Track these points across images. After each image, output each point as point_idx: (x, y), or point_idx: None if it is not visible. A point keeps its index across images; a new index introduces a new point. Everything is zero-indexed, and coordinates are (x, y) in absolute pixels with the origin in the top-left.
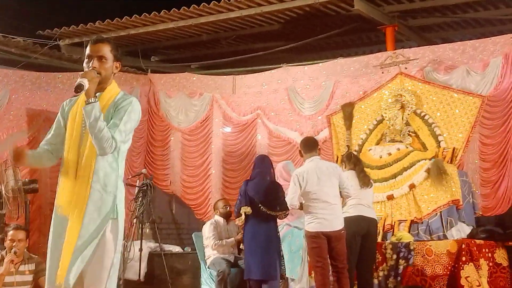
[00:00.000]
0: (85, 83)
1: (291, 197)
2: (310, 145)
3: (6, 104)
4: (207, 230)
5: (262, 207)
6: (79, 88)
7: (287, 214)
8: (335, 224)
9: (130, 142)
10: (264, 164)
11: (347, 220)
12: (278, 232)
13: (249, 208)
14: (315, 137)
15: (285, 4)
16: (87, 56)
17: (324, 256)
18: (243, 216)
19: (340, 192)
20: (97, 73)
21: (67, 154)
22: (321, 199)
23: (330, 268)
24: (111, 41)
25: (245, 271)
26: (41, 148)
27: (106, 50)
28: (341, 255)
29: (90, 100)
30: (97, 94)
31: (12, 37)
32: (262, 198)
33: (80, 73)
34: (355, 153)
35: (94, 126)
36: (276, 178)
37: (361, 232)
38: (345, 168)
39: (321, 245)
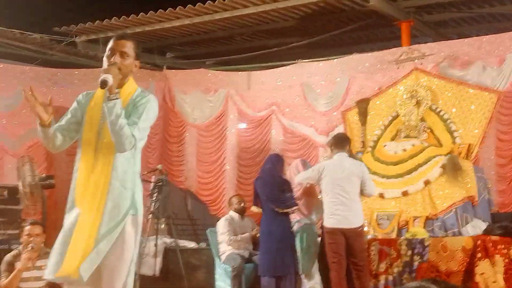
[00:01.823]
0: (110, 79)
1: (304, 177)
2: (340, 142)
3: (23, 100)
4: (221, 226)
5: (270, 205)
6: (104, 84)
7: (295, 210)
8: (353, 221)
9: (146, 139)
10: (271, 161)
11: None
12: (292, 228)
13: (256, 208)
14: (346, 134)
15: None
16: (109, 49)
17: (340, 253)
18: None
19: (362, 190)
20: (119, 69)
21: (84, 149)
22: (341, 195)
23: (351, 265)
24: (131, 37)
25: (261, 267)
26: (58, 129)
27: (129, 47)
28: (360, 252)
29: (112, 97)
30: (116, 90)
31: (29, 33)
32: (270, 196)
33: (102, 68)
34: (369, 149)
35: (115, 123)
36: (292, 173)
37: None
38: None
39: (337, 241)
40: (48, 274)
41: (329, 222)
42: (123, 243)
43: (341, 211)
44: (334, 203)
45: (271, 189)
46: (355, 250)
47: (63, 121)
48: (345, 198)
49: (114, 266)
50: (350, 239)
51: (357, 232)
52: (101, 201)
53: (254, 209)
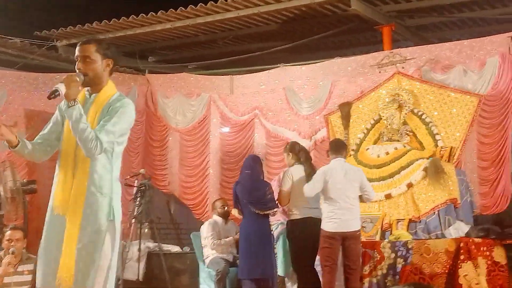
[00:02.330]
0: (61, 88)
1: (311, 188)
2: (337, 148)
3: (4, 105)
4: (205, 230)
5: (251, 208)
6: (52, 94)
7: (276, 212)
8: (352, 225)
9: (125, 143)
10: (250, 164)
11: (294, 223)
12: (272, 230)
13: (237, 210)
14: (343, 140)
15: (282, 4)
16: (75, 57)
17: (333, 257)
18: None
19: (362, 196)
20: (85, 74)
21: (63, 156)
22: (341, 199)
23: (343, 267)
24: (99, 40)
25: (240, 271)
26: (34, 142)
27: (92, 50)
28: (355, 255)
29: (70, 104)
30: (92, 96)
31: (9, 38)
32: (251, 199)
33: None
34: (352, 152)
35: (76, 128)
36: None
37: (312, 233)
38: (291, 159)
39: (333, 245)
40: (42, 284)
41: (328, 226)
42: (100, 249)
43: (340, 215)
44: (334, 207)
45: (251, 193)
46: (350, 254)
47: (45, 130)
48: (345, 202)
49: (93, 272)
50: (347, 242)
51: (356, 236)
52: (79, 207)
53: (235, 212)
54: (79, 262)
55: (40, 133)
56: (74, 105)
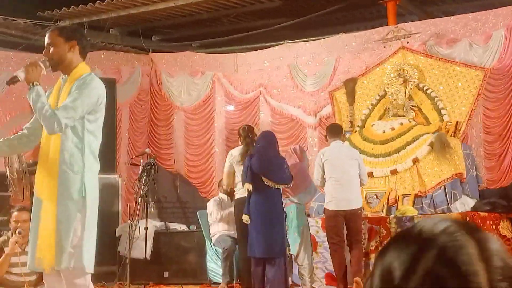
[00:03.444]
0: (20, 74)
1: (317, 178)
2: (335, 131)
3: (8, 86)
4: (211, 206)
5: (266, 181)
6: (11, 80)
7: (290, 186)
8: (353, 203)
9: (100, 121)
10: (266, 139)
11: (236, 203)
12: (283, 208)
13: (250, 184)
14: (338, 124)
15: None
16: None
17: (339, 234)
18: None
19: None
20: (49, 59)
21: (42, 139)
22: (342, 177)
23: (347, 241)
24: (63, 26)
25: (250, 248)
26: (20, 133)
27: (53, 37)
28: (357, 231)
29: (30, 87)
30: (64, 78)
31: (12, 19)
32: (266, 172)
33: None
34: (358, 128)
35: (35, 108)
36: (292, 160)
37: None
38: (239, 141)
39: (338, 223)
40: (28, 265)
41: (330, 205)
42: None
43: (342, 193)
44: (336, 185)
45: (268, 166)
46: (352, 230)
47: (31, 120)
48: (346, 180)
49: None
50: (348, 219)
51: (357, 214)
52: (53, 187)
53: (248, 186)
54: (60, 241)
55: (28, 123)
56: (33, 87)
